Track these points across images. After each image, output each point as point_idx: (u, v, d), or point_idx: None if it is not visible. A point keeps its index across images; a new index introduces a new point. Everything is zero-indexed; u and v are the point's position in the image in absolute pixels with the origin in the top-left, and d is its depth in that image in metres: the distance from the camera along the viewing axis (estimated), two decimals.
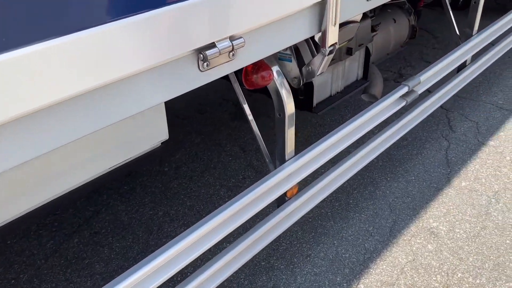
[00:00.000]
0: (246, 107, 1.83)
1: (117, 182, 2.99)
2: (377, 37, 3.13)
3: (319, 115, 3.29)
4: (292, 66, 1.82)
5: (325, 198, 2.71)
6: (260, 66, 1.60)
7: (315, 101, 2.38)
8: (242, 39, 1.30)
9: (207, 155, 3.20)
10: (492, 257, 2.32)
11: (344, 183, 2.82)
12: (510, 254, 2.33)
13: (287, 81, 1.88)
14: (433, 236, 2.46)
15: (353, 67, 2.57)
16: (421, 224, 2.54)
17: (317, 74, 1.76)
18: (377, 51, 3.19)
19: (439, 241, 2.42)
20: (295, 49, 1.77)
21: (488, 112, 3.50)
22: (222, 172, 3.03)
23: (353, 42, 2.32)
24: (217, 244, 2.30)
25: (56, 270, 2.40)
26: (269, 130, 3.24)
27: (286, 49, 1.79)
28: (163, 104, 1.98)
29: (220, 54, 1.25)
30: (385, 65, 4.31)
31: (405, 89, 2.35)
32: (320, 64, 1.70)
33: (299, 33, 1.55)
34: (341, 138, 2.01)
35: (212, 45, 1.24)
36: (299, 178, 1.87)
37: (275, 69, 1.67)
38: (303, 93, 2.35)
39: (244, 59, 1.39)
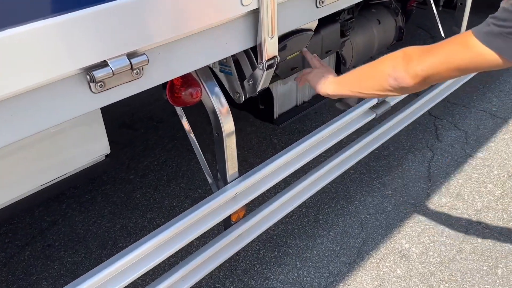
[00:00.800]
0: (184, 121, 1.66)
1: (79, 190, 2.85)
2: (357, 39, 2.93)
3: (281, 127, 3.11)
4: (233, 80, 1.64)
5: (293, 213, 2.56)
6: (188, 81, 1.43)
7: (276, 112, 2.20)
8: (145, 56, 1.13)
9: (176, 162, 3.05)
10: (466, 286, 2.13)
11: (316, 196, 2.66)
12: (486, 283, 2.13)
13: (234, 94, 1.71)
14: (403, 259, 2.27)
15: None
16: (392, 245, 2.35)
17: (258, 90, 1.59)
18: (357, 54, 3.00)
19: (410, 265, 2.24)
20: (236, 61, 1.59)
21: (480, 120, 3.28)
22: (190, 181, 2.87)
23: (318, 49, 2.14)
24: (158, 267, 2.17)
25: (2, 286, 2.27)
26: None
27: (226, 60, 1.62)
28: (101, 116, 1.84)
29: (114, 75, 1.08)
30: None
31: (373, 101, 2.16)
32: (260, 79, 1.52)
33: (230, 47, 1.38)
34: (295, 157, 1.83)
35: (104, 64, 1.07)
36: (243, 202, 1.70)
37: (209, 84, 1.50)
38: (263, 102, 2.18)
39: (155, 77, 1.23)
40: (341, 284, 2.17)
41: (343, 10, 2.58)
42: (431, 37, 4.61)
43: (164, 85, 1.46)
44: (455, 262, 2.25)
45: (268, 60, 1.45)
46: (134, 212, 2.67)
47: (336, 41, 2.23)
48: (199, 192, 2.79)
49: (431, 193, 2.68)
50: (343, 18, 2.56)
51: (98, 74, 1.06)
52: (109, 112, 3.72)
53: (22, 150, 1.66)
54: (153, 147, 3.23)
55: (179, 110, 1.67)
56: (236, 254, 2.33)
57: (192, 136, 1.68)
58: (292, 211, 2.56)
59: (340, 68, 2.43)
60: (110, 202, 2.75)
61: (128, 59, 1.10)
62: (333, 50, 2.24)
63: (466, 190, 2.68)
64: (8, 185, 1.74)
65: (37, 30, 0.96)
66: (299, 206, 2.59)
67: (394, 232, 2.43)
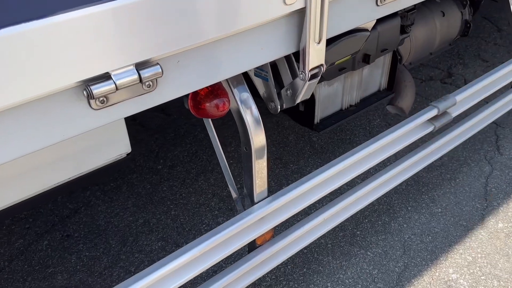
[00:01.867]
0: (214, 135, 1.45)
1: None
2: (417, 33, 2.60)
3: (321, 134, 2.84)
4: (269, 87, 1.40)
5: None
6: (214, 90, 1.20)
7: (318, 117, 1.95)
8: (159, 67, 0.91)
9: (207, 155, 2.86)
10: None
11: None
12: None
13: (269, 103, 1.48)
14: None
15: (375, 75, 2.10)
16: (437, 274, 2.09)
17: (298, 101, 1.34)
18: (416, 50, 2.67)
19: None
20: (274, 66, 1.35)
21: None
22: (219, 177, 2.68)
23: (373, 48, 1.85)
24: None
25: (17, 276, 2.19)
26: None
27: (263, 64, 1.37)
28: None
29: (117, 90, 0.87)
30: (433, 61, 3.73)
31: (434, 112, 1.86)
32: (300, 90, 1.28)
33: (267, 53, 1.14)
34: (335, 174, 1.59)
35: (106, 76, 0.86)
36: (271, 225, 1.49)
37: (239, 91, 1.27)
38: (304, 104, 1.93)
39: (173, 90, 1.01)
40: None
41: None
42: (498, 30, 4.16)
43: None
44: None
45: (312, 69, 1.20)
46: (158, 206, 2.52)
47: (395, 38, 1.94)
48: (227, 191, 2.60)
49: (486, 215, 2.37)
50: (403, 10, 2.25)
51: (98, 89, 0.85)
52: None
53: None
54: (185, 135, 3.05)
55: (207, 120, 1.45)
56: None
57: (220, 150, 1.47)
58: None
59: (396, 67, 2.13)
60: (134, 193, 2.60)
61: (137, 70, 0.88)
62: (390, 49, 1.95)
63: None
64: (23, 182, 1.62)
65: (23, 34, 0.76)
66: None
67: (441, 259, 2.16)
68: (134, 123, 3.20)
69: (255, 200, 1.47)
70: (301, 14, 1.13)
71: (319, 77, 1.25)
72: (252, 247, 1.59)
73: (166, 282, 1.32)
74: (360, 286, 2.06)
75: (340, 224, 2.33)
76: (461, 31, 2.92)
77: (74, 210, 2.52)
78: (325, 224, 1.72)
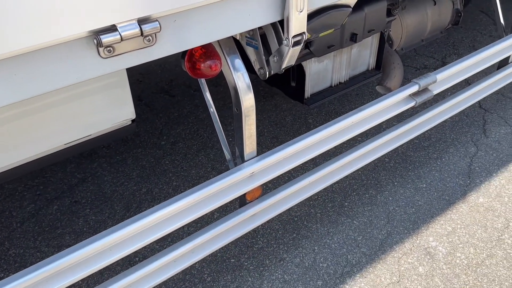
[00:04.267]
0: (207, 96, 1.61)
1: (111, 150, 2.90)
2: (408, 20, 2.75)
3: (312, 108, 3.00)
4: (259, 55, 1.56)
5: (317, 197, 2.49)
6: (208, 53, 1.37)
7: (308, 92, 2.10)
8: (157, 23, 1.08)
9: (208, 133, 3.03)
10: None
11: (344, 182, 2.57)
12: None
13: (259, 70, 1.64)
14: (428, 257, 2.16)
15: (363, 55, 2.25)
16: (418, 241, 2.24)
17: (284, 67, 1.50)
18: (407, 36, 2.82)
19: (434, 264, 2.13)
20: (263, 35, 1.51)
21: None
22: (218, 153, 2.85)
23: (360, 27, 2.01)
24: (178, 236, 2.19)
25: (28, 236, 2.37)
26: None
27: (252, 33, 1.53)
28: (127, 82, 1.82)
29: (122, 40, 1.04)
30: (429, 51, 3.87)
31: (415, 88, 2.01)
32: (285, 55, 1.43)
33: (254, 19, 1.30)
34: (320, 140, 1.75)
35: (113, 28, 1.03)
36: (259, 182, 1.65)
37: (231, 57, 1.43)
38: (295, 80, 2.09)
39: (169, 46, 1.17)
40: (357, 275, 2.10)
41: None
42: (494, 24, 4.28)
43: (183, 54, 1.41)
44: (483, 267, 2.11)
45: (295, 36, 1.36)
46: (161, 178, 2.69)
47: (381, 20, 2.09)
48: (226, 165, 2.76)
49: (468, 191, 2.52)
50: None
51: (106, 38, 1.02)
52: (148, 77, 3.74)
53: (46, 108, 1.67)
54: (188, 115, 3.22)
55: (202, 82, 1.62)
56: (254, 231, 2.31)
57: (213, 109, 1.63)
58: (317, 195, 2.50)
59: (383, 48, 2.28)
60: (139, 166, 2.78)
61: (139, 25, 1.05)
62: (377, 30, 2.10)
63: (508, 192, 2.50)
64: (33, 140, 1.78)
65: None
66: (325, 190, 2.53)
67: (422, 228, 2.31)
68: (140, 103, 3.38)
69: (245, 158, 1.63)
70: None
71: (301, 44, 1.40)
72: (243, 202, 1.75)
73: (164, 224, 1.48)
74: (345, 250, 2.22)
75: (329, 195, 2.50)
76: (452, 20, 3.06)
77: (82, 179, 2.69)
78: (310, 187, 1.88)
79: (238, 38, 1.56)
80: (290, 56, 1.43)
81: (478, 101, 3.21)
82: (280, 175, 1.78)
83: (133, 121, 2.05)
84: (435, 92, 2.12)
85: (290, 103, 3.25)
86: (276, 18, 1.34)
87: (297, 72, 2.04)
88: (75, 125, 1.83)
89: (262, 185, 1.74)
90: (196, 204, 1.54)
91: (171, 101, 3.37)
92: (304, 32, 1.37)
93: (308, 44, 1.91)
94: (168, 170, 2.74)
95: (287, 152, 1.68)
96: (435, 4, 2.90)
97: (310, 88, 2.11)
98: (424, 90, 2.08)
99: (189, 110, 3.27)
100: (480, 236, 2.26)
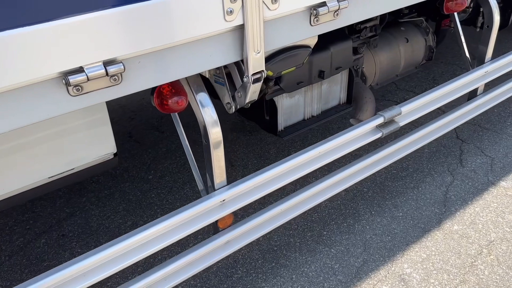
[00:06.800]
0: (181, 129, 1.73)
1: (100, 185, 3.00)
2: (381, 57, 2.90)
3: (285, 140, 3.12)
4: (226, 91, 1.69)
5: (297, 226, 2.57)
6: (175, 89, 1.49)
7: (281, 125, 2.23)
8: (121, 64, 1.21)
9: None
10: None
11: (323, 211, 2.66)
12: None
13: (226, 104, 1.76)
14: (402, 283, 2.22)
15: (334, 91, 2.38)
16: (393, 268, 2.30)
17: (247, 101, 1.62)
18: (381, 72, 2.96)
19: None
20: (229, 73, 1.64)
21: (509, 148, 3.13)
22: None
23: (327, 65, 2.15)
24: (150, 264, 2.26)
25: (16, 269, 2.44)
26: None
27: (219, 72, 1.67)
28: (108, 119, 1.95)
29: (89, 80, 1.16)
30: (410, 85, 4.03)
31: (380, 120, 2.13)
32: (247, 91, 1.56)
33: (215, 59, 1.43)
34: (287, 170, 1.85)
35: (80, 69, 1.15)
36: (230, 209, 1.75)
37: (198, 93, 1.56)
38: (268, 114, 2.21)
39: (135, 85, 1.30)
40: None
41: (365, 27, 2.58)
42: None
43: (152, 91, 1.53)
44: None
45: (254, 74, 1.49)
46: (146, 211, 2.77)
47: (348, 58, 2.23)
48: None
49: (443, 219, 2.59)
50: (364, 35, 2.56)
51: (73, 78, 1.14)
52: (140, 115, 3.89)
53: (30, 144, 1.79)
54: (175, 150, 3.34)
55: (174, 117, 1.74)
56: (234, 261, 2.38)
57: (186, 143, 1.75)
58: (296, 224, 2.58)
59: (353, 83, 2.41)
60: (126, 199, 2.87)
61: (104, 66, 1.18)
62: (344, 67, 2.24)
63: (482, 219, 2.57)
64: (18, 175, 1.88)
65: (19, 36, 1.06)
66: (305, 220, 2.61)
67: (397, 256, 2.37)
68: (130, 139, 3.51)
69: (216, 187, 1.73)
70: (243, 30, 1.43)
71: (261, 81, 1.53)
72: (216, 230, 1.84)
73: (134, 251, 1.57)
74: (321, 278, 2.28)
75: (308, 225, 2.58)
76: (426, 56, 3.22)
77: (70, 214, 2.78)
78: (282, 215, 1.97)
79: (207, 76, 1.69)
80: (252, 91, 1.56)
81: (456, 132, 3.33)
82: (254, 203, 1.88)
83: (115, 155, 2.17)
84: (402, 123, 2.24)
85: (274, 136, 3.37)
86: (235, 58, 1.47)
87: (270, 106, 2.17)
88: (58, 159, 1.94)
89: (233, 213, 1.83)
90: (167, 231, 1.63)
91: (160, 137, 3.49)
92: (263, 71, 1.50)
93: (278, 80, 2.04)
94: (153, 203, 2.83)
95: (257, 180, 1.78)
96: (407, 41, 3.07)
97: (283, 121, 2.23)
98: (391, 122, 2.19)
99: (177, 145, 3.39)
100: (454, 262, 2.32)
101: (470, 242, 2.43)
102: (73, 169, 2.02)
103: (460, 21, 3.46)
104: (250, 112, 2.28)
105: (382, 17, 2.71)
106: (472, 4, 3.20)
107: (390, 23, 3.05)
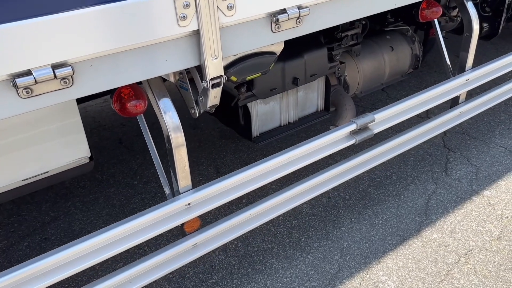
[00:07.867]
0: (147, 134, 1.76)
1: (86, 190, 3.04)
2: (365, 65, 2.91)
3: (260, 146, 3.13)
4: (189, 96, 1.72)
5: (276, 232, 2.57)
6: (135, 93, 1.52)
7: (256, 131, 2.25)
8: (70, 68, 1.24)
9: None
10: None
11: (304, 218, 2.66)
12: None
13: (190, 109, 1.79)
14: None
15: (311, 98, 2.40)
16: (368, 276, 2.29)
17: (209, 106, 1.65)
18: (365, 80, 2.97)
19: None
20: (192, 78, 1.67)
21: (496, 157, 3.11)
22: None
23: (301, 72, 2.17)
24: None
25: None
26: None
27: (183, 77, 1.70)
28: (80, 121, 1.98)
29: (37, 83, 1.20)
30: (401, 94, 4.02)
31: (352, 126, 2.14)
32: (207, 96, 1.58)
33: (171, 64, 1.46)
34: (256, 175, 1.87)
35: (28, 72, 1.19)
36: (196, 213, 1.76)
37: (160, 97, 1.59)
38: (243, 120, 2.23)
39: (86, 87, 1.33)
40: None
41: (346, 35, 2.60)
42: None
43: (111, 95, 1.57)
44: None
45: (213, 79, 1.52)
46: (129, 215, 2.79)
47: (323, 66, 2.25)
48: None
49: (423, 227, 2.58)
50: (345, 43, 2.58)
51: (21, 81, 1.17)
52: (131, 121, 3.93)
53: (3, 147, 1.83)
54: (164, 155, 3.34)
55: (140, 119, 1.77)
56: (210, 266, 2.39)
57: (153, 146, 1.77)
58: (275, 231, 2.59)
59: (329, 91, 2.43)
60: (109, 204, 2.90)
61: (53, 69, 1.21)
62: (320, 74, 2.25)
63: (462, 228, 2.55)
64: None
65: None
66: (284, 226, 2.61)
67: (374, 263, 2.37)
68: (120, 145, 3.55)
69: (181, 191, 1.76)
70: (199, 35, 1.46)
71: (221, 86, 1.55)
72: (183, 234, 1.86)
73: (99, 251, 1.59)
74: (296, 284, 2.28)
75: (287, 231, 2.58)
76: (412, 64, 3.22)
77: (54, 218, 2.82)
78: (252, 220, 1.98)
79: (172, 81, 1.72)
80: (213, 96, 1.58)
81: (443, 141, 3.32)
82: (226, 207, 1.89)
83: (91, 158, 2.20)
84: (376, 131, 2.24)
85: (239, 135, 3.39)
86: (193, 64, 1.50)
87: (244, 112, 2.19)
88: (31, 163, 1.98)
89: (199, 217, 1.85)
90: (131, 233, 1.65)
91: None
92: (221, 76, 1.53)
93: (250, 86, 2.07)
94: (136, 209, 2.86)
95: (224, 184, 1.80)
96: (392, 50, 3.07)
97: (258, 127, 2.25)
98: (365, 129, 2.20)
99: (165, 151, 3.41)
100: (430, 270, 2.31)
101: (448, 251, 2.41)
102: (47, 172, 2.06)
103: (450, 30, 3.48)
104: (227, 118, 2.30)
105: (364, 25, 2.73)
106: (459, 13, 3.21)
107: (375, 31, 3.06)
